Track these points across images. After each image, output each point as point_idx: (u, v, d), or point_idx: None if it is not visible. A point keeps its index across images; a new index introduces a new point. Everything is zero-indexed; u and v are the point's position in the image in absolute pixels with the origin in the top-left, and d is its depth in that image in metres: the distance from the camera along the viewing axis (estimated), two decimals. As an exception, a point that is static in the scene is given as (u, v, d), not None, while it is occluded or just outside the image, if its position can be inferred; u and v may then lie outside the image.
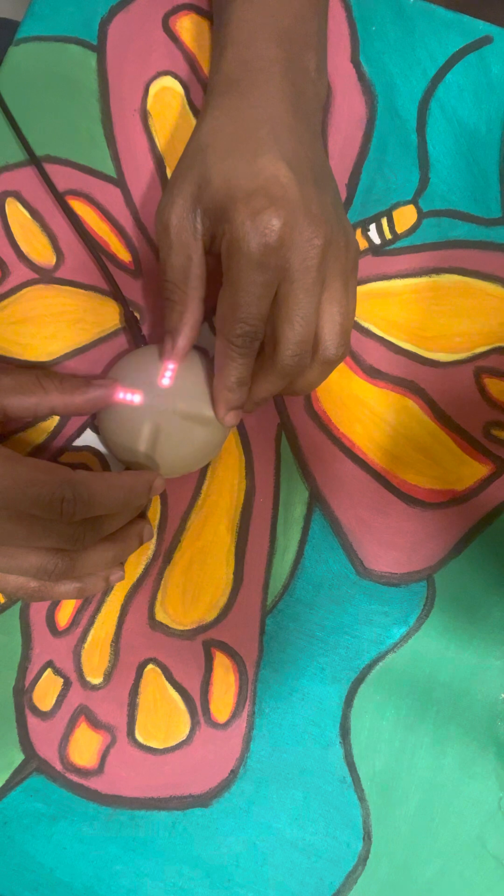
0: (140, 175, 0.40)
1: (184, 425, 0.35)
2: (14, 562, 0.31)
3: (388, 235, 0.40)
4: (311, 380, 0.35)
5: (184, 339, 0.35)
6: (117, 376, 0.36)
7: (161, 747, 0.37)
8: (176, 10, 0.41)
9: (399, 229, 0.40)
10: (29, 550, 0.31)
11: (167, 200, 0.34)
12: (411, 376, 0.39)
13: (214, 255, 0.34)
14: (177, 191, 0.34)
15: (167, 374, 0.35)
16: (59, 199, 0.39)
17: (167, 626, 0.38)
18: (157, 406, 0.35)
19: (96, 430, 0.38)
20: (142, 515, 0.38)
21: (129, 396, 0.35)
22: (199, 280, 0.34)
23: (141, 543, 0.37)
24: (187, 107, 0.40)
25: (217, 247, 0.34)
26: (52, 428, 0.38)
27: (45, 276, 0.39)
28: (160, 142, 0.40)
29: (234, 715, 0.37)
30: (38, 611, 0.38)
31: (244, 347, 0.33)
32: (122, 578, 0.36)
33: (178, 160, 0.36)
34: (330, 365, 0.35)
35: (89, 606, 0.38)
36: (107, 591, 0.38)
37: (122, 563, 0.37)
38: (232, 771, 0.36)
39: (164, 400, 0.35)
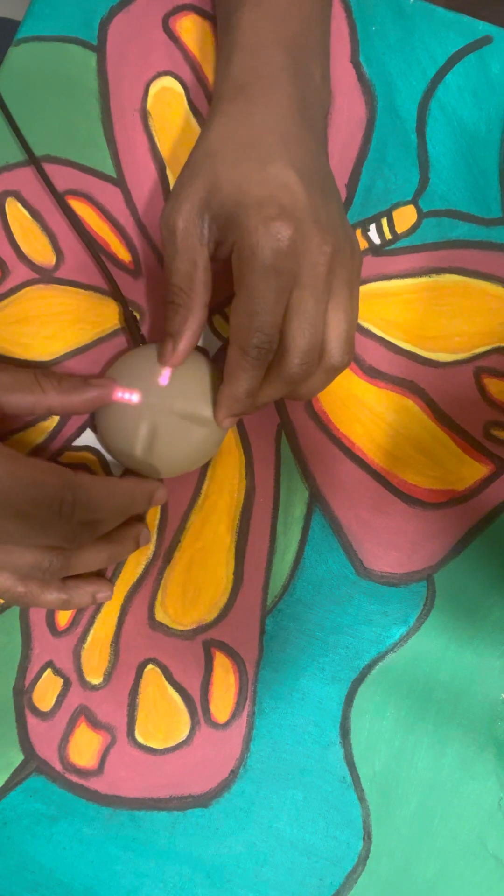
0: (140, 175, 0.40)
1: (181, 425, 0.35)
2: (10, 558, 0.31)
3: (388, 235, 0.40)
4: (315, 386, 0.35)
5: (186, 343, 0.35)
6: (115, 375, 0.36)
7: (161, 747, 0.37)
8: (176, 11, 0.41)
9: (399, 229, 0.40)
10: (25, 548, 0.32)
11: (173, 205, 0.34)
12: (411, 376, 0.39)
13: (218, 261, 0.34)
14: (184, 196, 0.34)
15: (165, 374, 0.35)
16: (59, 199, 0.39)
17: (167, 626, 0.37)
18: (155, 405, 0.35)
19: (96, 429, 0.38)
20: (140, 519, 0.38)
21: (127, 396, 0.35)
22: (203, 285, 0.34)
23: (137, 547, 0.37)
24: (187, 107, 0.40)
25: (222, 253, 0.34)
26: (51, 428, 0.38)
27: (45, 276, 0.39)
28: (160, 142, 0.40)
29: (234, 715, 0.37)
30: (37, 611, 0.38)
31: (258, 359, 0.33)
32: (109, 598, 0.37)
33: (180, 162, 0.36)
34: (334, 372, 0.35)
35: (89, 607, 0.38)
36: (95, 607, 0.38)
37: (111, 582, 0.37)
38: (232, 771, 0.36)
39: (162, 399, 0.35)
